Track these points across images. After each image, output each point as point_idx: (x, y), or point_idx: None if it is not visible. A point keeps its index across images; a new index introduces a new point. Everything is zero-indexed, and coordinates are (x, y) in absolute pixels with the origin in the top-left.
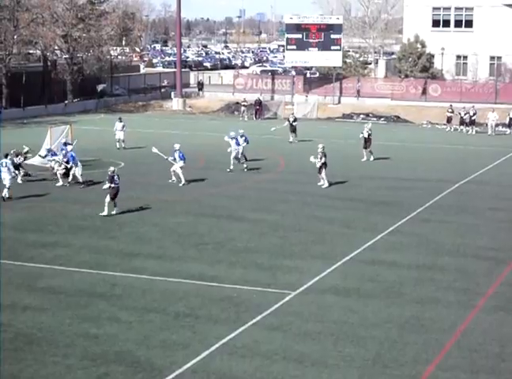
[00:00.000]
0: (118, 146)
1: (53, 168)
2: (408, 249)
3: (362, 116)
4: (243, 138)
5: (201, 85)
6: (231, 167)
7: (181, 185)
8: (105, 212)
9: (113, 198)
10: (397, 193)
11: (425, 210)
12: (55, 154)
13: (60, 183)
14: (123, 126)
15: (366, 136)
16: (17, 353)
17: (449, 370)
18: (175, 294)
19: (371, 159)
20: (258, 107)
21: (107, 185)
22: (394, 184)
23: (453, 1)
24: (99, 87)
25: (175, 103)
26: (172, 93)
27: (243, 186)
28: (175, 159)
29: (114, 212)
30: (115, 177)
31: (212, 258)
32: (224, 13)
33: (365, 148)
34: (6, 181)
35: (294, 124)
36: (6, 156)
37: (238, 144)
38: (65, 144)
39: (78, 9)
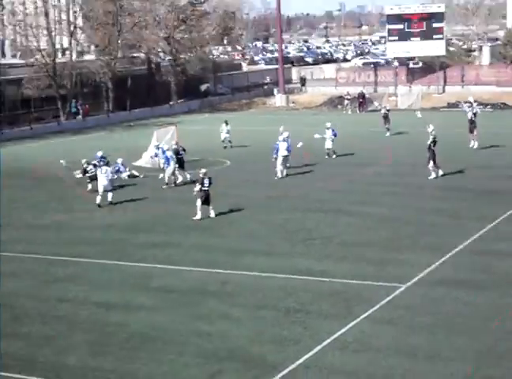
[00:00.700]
0: (224, 145)
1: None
2: None
3: (467, 104)
4: (331, 131)
5: (303, 81)
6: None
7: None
8: (197, 216)
9: (204, 202)
10: (507, 182)
11: None
12: (164, 150)
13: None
14: (228, 130)
15: (469, 118)
16: (134, 352)
17: None
18: (284, 290)
19: (475, 145)
20: (362, 100)
21: (197, 188)
22: (504, 172)
23: None
24: (203, 87)
25: (278, 100)
26: (275, 90)
27: (350, 180)
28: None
29: (211, 215)
30: (205, 180)
31: (320, 253)
32: (323, 7)
33: (471, 132)
34: (107, 186)
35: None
36: (107, 164)
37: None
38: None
39: (179, 11)
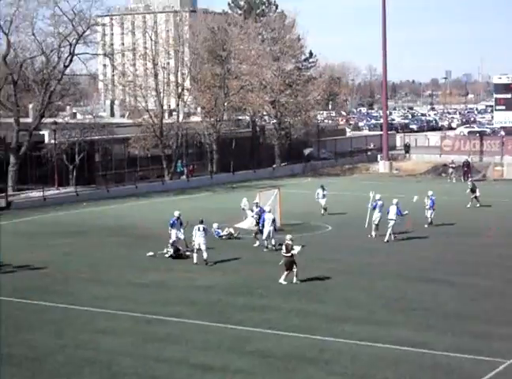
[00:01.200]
0: (322, 212)
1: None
2: None
3: None
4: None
5: (407, 147)
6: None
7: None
8: (281, 280)
9: (288, 268)
10: None
11: None
12: (263, 211)
13: (256, 244)
14: (324, 195)
15: None
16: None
17: None
18: (383, 361)
19: None
20: (466, 169)
21: (295, 251)
22: None
23: None
24: (307, 151)
25: (382, 166)
26: (379, 156)
27: (453, 250)
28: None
29: (294, 281)
30: (290, 246)
31: (421, 324)
32: (429, 75)
33: None
34: (202, 246)
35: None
36: (202, 222)
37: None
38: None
39: (286, 76)
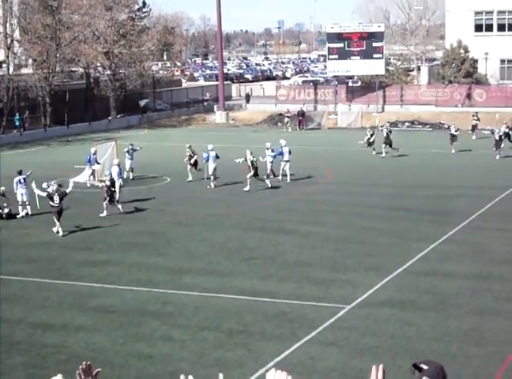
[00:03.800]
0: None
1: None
2: (463, 259)
3: (407, 124)
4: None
5: (248, 97)
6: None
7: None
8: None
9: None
10: (447, 202)
11: (477, 218)
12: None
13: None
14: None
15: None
16: (72, 375)
17: None
18: (227, 311)
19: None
20: (301, 118)
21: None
22: (444, 192)
23: (495, 5)
24: (142, 102)
25: (219, 116)
26: (215, 106)
27: (291, 199)
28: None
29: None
30: (55, 196)
31: (263, 273)
32: (262, 25)
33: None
34: (25, 198)
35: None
36: (20, 173)
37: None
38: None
39: (119, 26)
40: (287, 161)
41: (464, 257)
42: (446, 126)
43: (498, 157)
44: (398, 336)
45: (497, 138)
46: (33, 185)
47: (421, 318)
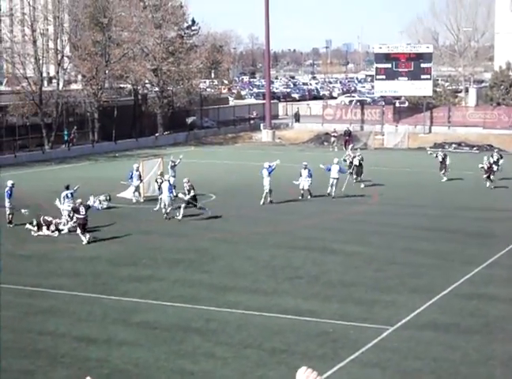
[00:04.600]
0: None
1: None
2: (509, 283)
3: (454, 145)
4: (307, 171)
5: (297, 116)
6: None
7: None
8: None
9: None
10: (493, 224)
11: None
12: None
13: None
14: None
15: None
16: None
17: None
18: (270, 330)
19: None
20: (348, 138)
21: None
22: (490, 215)
23: None
24: (189, 119)
25: (265, 135)
26: (261, 125)
27: (336, 218)
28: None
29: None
30: (81, 208)
31: (306, 292)
32: (310, 44)
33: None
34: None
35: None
36: (67, 188)
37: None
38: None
39: (168, 44)
40: (335, 178)
41: (510, 281)
42: (441, 157)
43: None
44: (441, 359)
45: None
46: (57, 201)
47: (465, 341)
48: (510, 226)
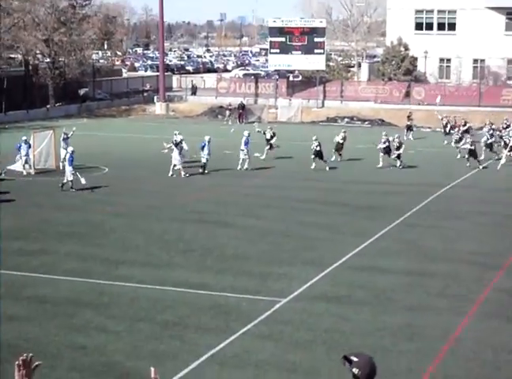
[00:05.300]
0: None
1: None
2: (398, 255)
3: (346, 119)
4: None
5: (194, 88)
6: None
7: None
8: None
9: None
10: (383, 198)
11: (413, 215)
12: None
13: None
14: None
15: (339, 141)
16: (3, 365)
17: None
18: (162, 303)
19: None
20: (241, 111)
21: None
22: (380, 188)
23: (435, 4)
24: (82, 91)
25: (158, 107)
26: (155, 97)
27: (229, 191)
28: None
29: None
30: None
31: (199, 265)
32: (205, 17)
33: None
34: None
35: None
36: None
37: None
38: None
39: (60, 13)
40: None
41: (399, 254)
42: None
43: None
44: (333, 330)
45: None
46: None
47: (356, 313)
48: (401, 199)
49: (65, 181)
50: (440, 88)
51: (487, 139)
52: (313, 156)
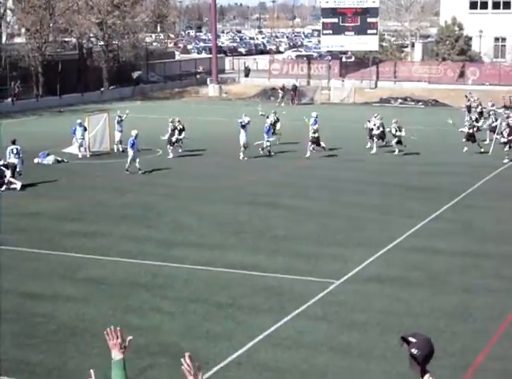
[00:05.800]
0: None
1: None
2: (452, 236)
3: (399, 100)
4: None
5: (247, 70)
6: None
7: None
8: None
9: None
10: (438, 179)
11: (467, 196)
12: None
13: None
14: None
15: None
16: (61, 345)
17: (499, 360)
18: (216, 284)
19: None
20: (293, 93)
21: None
22: (435, 169)
23: None
24: (135, 74)
25: (211, 90)
26: (208, 79)
27: (279, 173)
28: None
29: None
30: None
31: (252, 247)
32: None
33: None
34: (18, 168)
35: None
36: (14, 142)
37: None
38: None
39: None
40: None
41: (454, 235)
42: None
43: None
44: (386, 312)
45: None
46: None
47: (410, 294)
48: (453, 180)
49: (133, 164)
50: (495, 67)
51: (492, 122)
52: (395, 140)
